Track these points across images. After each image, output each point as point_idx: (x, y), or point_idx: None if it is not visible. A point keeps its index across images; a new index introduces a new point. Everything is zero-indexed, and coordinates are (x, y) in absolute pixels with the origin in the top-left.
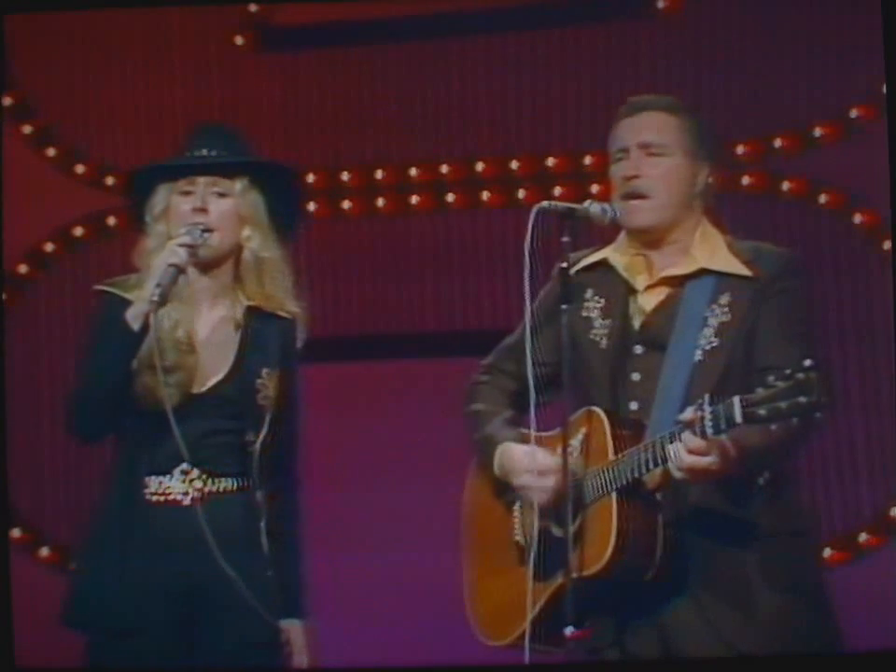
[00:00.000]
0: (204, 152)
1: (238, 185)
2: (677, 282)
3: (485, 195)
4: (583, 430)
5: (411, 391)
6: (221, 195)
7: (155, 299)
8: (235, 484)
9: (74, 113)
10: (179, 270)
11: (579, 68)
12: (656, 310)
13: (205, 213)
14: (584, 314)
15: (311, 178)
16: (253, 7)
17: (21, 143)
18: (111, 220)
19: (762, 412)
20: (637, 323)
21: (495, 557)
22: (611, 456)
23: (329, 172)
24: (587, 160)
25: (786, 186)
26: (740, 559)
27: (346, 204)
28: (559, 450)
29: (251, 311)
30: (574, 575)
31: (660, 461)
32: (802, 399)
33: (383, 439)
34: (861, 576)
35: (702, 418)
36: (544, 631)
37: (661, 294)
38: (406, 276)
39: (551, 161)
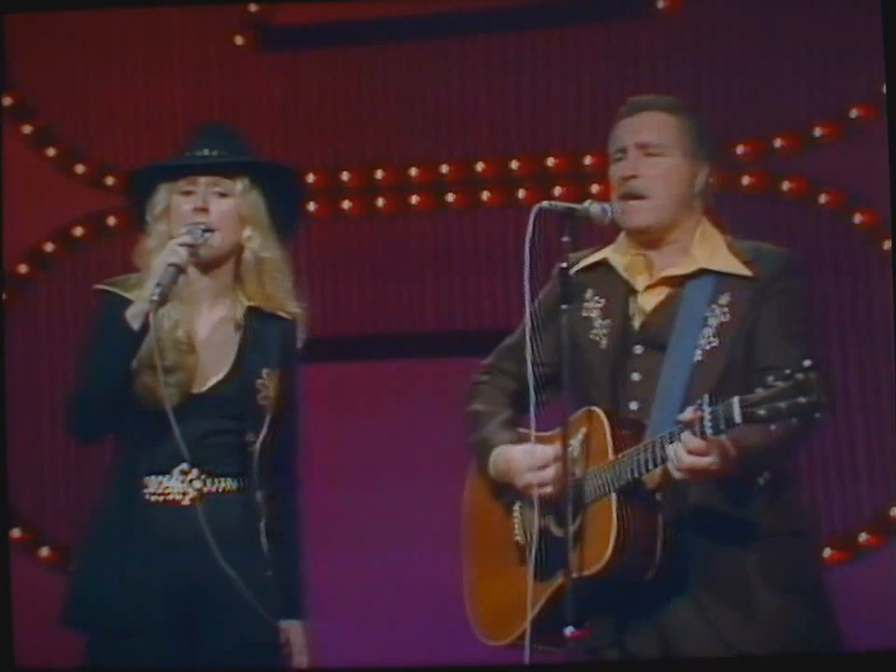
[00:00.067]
0: (206, 152)
1: (239, 185)
2: (677, 282)
3: (485, 195)
4: (583, 430)
5: (411, 391)
6: (222, 195)
7: (155, 298)
8: (235, 485)
9: (74, 113)
10: (180, 269)
11: (579, 68)
12: (656, 310)
13: (206, 213)
14: (584, 314)
15: (311, 178)
16: (253, 7)
17: (21, 143)
18: (111, 220)
19: (761, 412)
20: (637, 323)
21: (495, 557)
22: (611, 456)
23: (328, 172)
24: (587, 160)
25: (786, 186)
26: (740, 559)
27: (346, 204)
28: (559, 447)
29: (251, 311)
30: (574, 575)
31: (659, 461)
32: (801, 400)
33: (383, 439)
34: (861, 576)
35: (701, 418)
36: (544, 631)
37: (661, 294)
38: (406, 276)
39: (551, 161)
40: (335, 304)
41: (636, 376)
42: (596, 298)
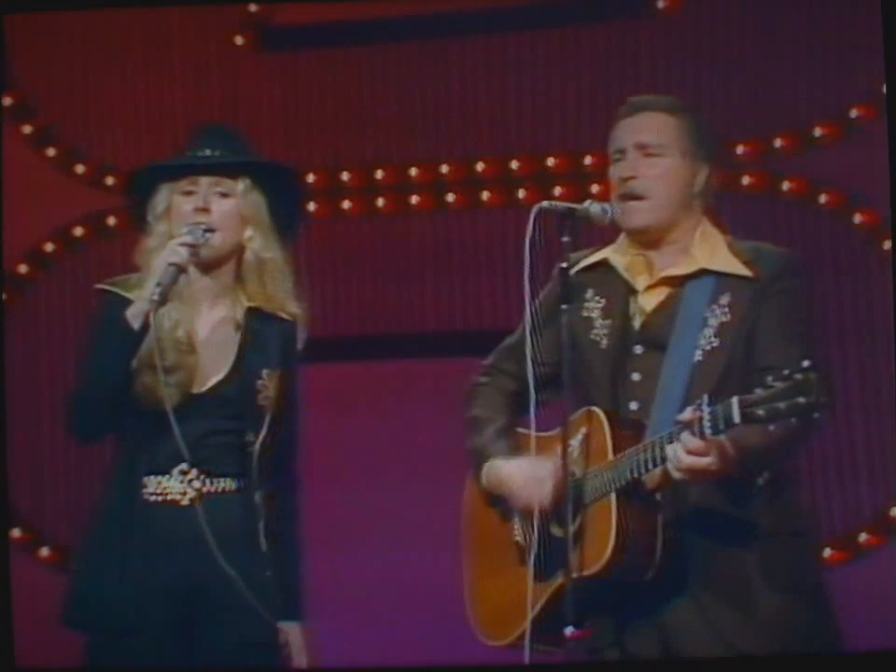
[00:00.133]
0: (207, 152)
1: (241, 185)
2: (677, 282)
3: (485, 195)
4: (583, 430)
5: (411, 391)
6: (224, 195)
7: (155, 297)
8: (234, 485)
9: (74, 113)
10: (180, 269)
11: (579, 68)
12: (656, 310)
13: (208, 213)
14: (585, 314)
15: (311, 178)
16: (253, 7)
17: (21, 143)
18: (111, 220)
19: (760, 412)
20: (637, 323)
21: (495, 557)
22: (611, 457)
23: (328, 172)
24: (587, 160)
25: (786, 186)
26: (740, 559)
27: (346, 204)
28: (557, 449)
29: (252, 311)
30: (574, 575)
31: (659, 461)
32: (800, 400)
33: (383, 439)
34: (861, 576)
35: (700, 419)
36: (544, 631)
37: (661, 294)
38: (406, 276)
39: (551, 161)
40: (335, 304)
41: (636, 376)
42: (597, 298)
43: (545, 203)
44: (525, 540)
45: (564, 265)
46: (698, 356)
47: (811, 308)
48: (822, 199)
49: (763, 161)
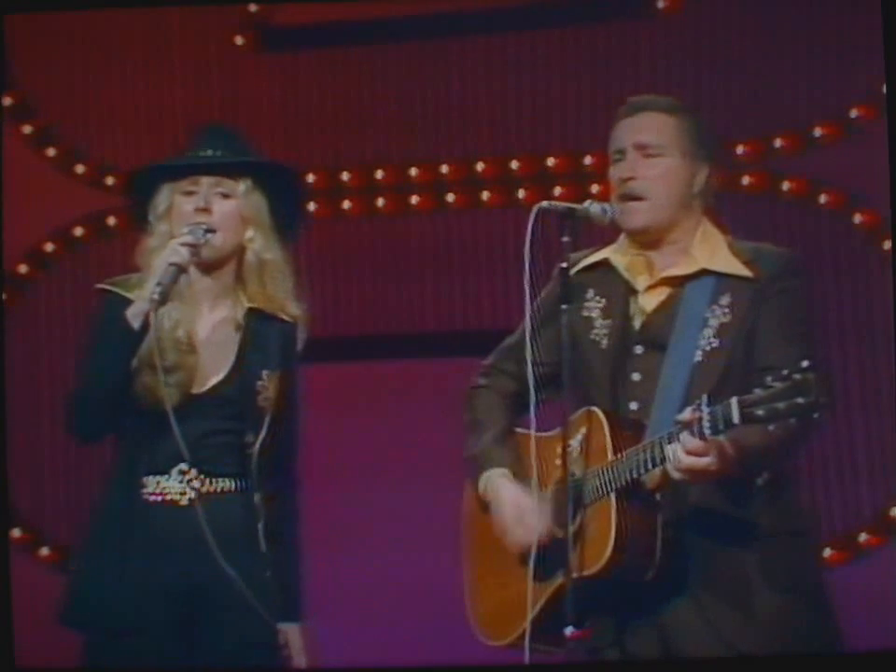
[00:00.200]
0: (209, 152)
1: (242, 186)
2: (677, 282)
3: (485, 195)
4: (583, 430)
5: (411, 391)
6: (225, 196)
7: (155, 297)
8: (234, 485)
9: (74, 113)
10: (181, 269)
11: (579, 68)
12: (657, 310)
13: (208, 213)
14: (585, 314)
15: (311, 178)
16: (253, 7)
17: (21, 143)
18: (111, 220)
19: (759, 412)
20: (637, 323)
21: (494, 557)
22: (611, 457)
23: (328, 172)
24: (587, 160)
25: (786, 186)
26: (740, 559)
27: (346, 204)
28: (557, 449)
29: (252, 312)
30: (574, 575)
31: (658, 462)
32: (800, 400)
33: (383, 439)
34: (861, 576)
35: (700, 419)
36: (544, 631)
37: (661, 294)
38: (406, 276)
39: (551, 161)
40: (335, 304)
41: (636, 376)
42: (597, 298)
43: (545, 203)
44: None
45: (564, 265)
46: (698, 356)
47: (811, 308)
48: (822, 199)
49: (763, 161)
